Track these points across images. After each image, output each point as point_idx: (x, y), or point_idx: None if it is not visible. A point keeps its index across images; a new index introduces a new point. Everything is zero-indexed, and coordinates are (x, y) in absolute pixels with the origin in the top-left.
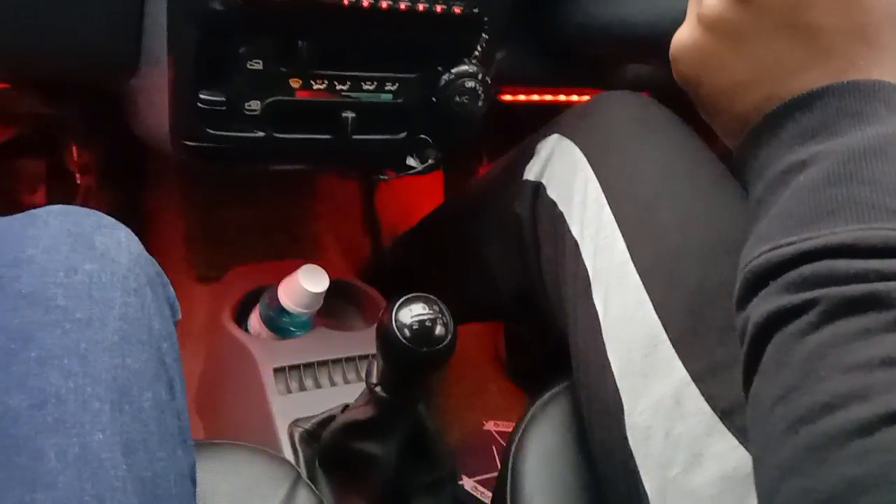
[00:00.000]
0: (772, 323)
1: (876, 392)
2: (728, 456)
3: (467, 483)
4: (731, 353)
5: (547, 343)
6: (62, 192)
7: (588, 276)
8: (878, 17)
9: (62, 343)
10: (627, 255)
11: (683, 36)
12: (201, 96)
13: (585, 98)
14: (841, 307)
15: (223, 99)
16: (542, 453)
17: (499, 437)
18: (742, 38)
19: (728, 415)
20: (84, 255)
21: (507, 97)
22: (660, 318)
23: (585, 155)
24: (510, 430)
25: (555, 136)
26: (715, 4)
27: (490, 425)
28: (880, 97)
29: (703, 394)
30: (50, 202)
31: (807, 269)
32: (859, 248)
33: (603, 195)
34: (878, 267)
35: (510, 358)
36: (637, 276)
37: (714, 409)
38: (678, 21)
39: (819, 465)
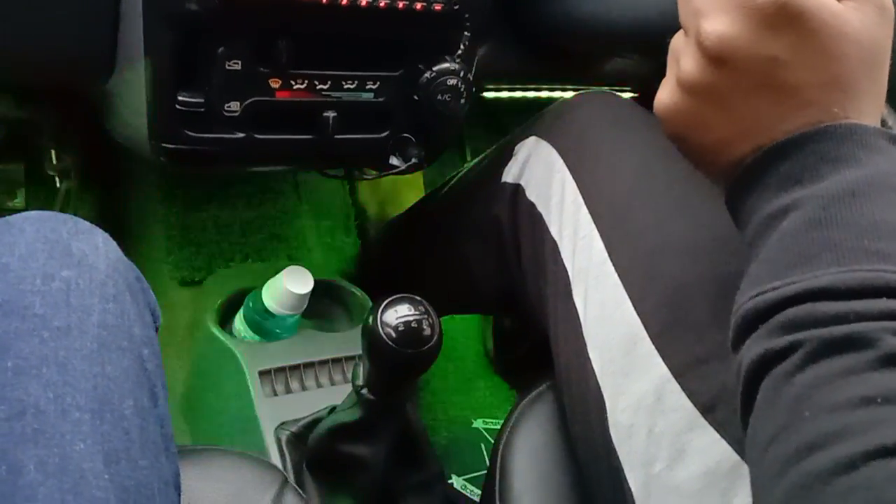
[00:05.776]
0: (761, 365)
1: (857, 430)
2: (710, 450)
3: (456, 482)
4: (710, 349)
5: (535, 334)
6: (42, 197)
7: (567, 276)
8: (853, 65)
9: (40, 352)
10: (606, 255)
11: (665, 97)
12: (180, 98)
13: (568, 94)
14: (823, 348)
15: (202, 100)
16: (530, 451)
17: (487, 435)
18: (721, 99)
19: (709, 409)
20: (61, 261)
21: (490, 94)
22: (639, 315)
23: (562, 156)
24: (498, 427)
25: (532, 139)
26: (692, 69)
27: (479, 423)
28: (856, 140)
29: (683, 389)
30: (29, 207)
31: (791, 313)
32: (839, 290)
33: (580, 196)
34: (857, 308)
35: (498, 352)
36: (616, 276)
37: (695, 404)
38: (656, 16)
39: (807, 503)
